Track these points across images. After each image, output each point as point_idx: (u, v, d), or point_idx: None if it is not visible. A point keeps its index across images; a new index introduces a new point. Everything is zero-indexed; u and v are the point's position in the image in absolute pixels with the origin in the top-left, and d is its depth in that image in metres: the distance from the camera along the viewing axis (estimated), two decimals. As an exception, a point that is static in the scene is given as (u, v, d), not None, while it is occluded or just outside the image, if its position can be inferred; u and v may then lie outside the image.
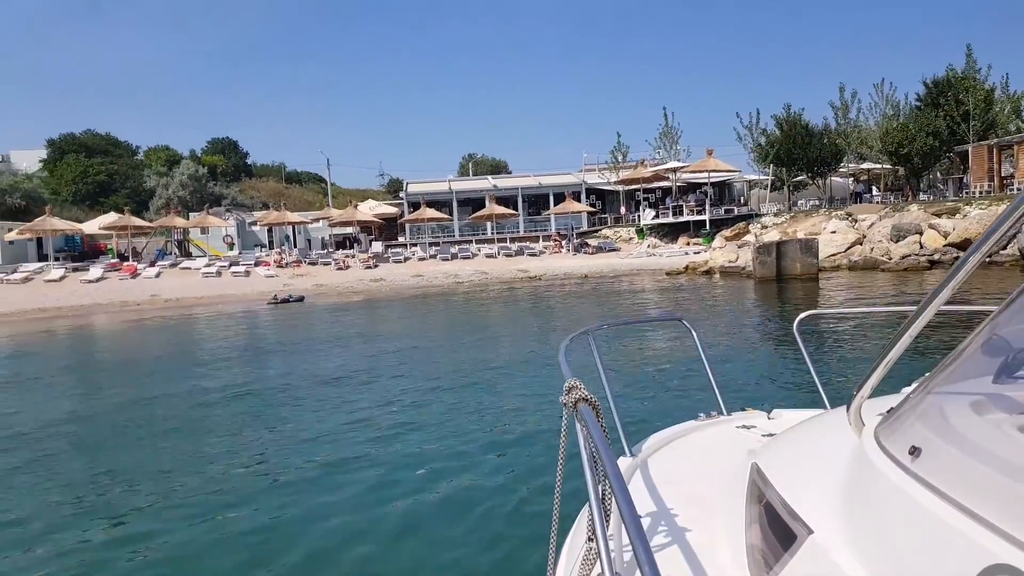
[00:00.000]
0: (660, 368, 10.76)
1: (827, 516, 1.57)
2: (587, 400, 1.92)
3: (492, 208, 47.50)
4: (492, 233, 49.60)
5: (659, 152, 53.98)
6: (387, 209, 53.73)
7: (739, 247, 32.94)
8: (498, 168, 79.07)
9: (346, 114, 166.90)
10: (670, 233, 44.32)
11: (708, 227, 41.84)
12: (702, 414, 3.43)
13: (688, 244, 41.07)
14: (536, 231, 50.07)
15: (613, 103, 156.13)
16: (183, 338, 20.22)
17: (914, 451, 1.48)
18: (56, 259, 41.56)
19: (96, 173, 61.76)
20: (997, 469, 1.28)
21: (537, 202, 53.11)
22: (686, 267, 32.98)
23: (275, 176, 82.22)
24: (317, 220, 51.67)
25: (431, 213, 46.66)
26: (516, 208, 50.92)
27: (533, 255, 43.31)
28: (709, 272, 31.27)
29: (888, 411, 1.78)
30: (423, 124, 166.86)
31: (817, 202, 45.51)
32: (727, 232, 38.64)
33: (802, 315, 3.82)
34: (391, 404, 9.60)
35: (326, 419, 9.00)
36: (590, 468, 1.65)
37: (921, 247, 27.79)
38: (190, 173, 62.85)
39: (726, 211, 44.27)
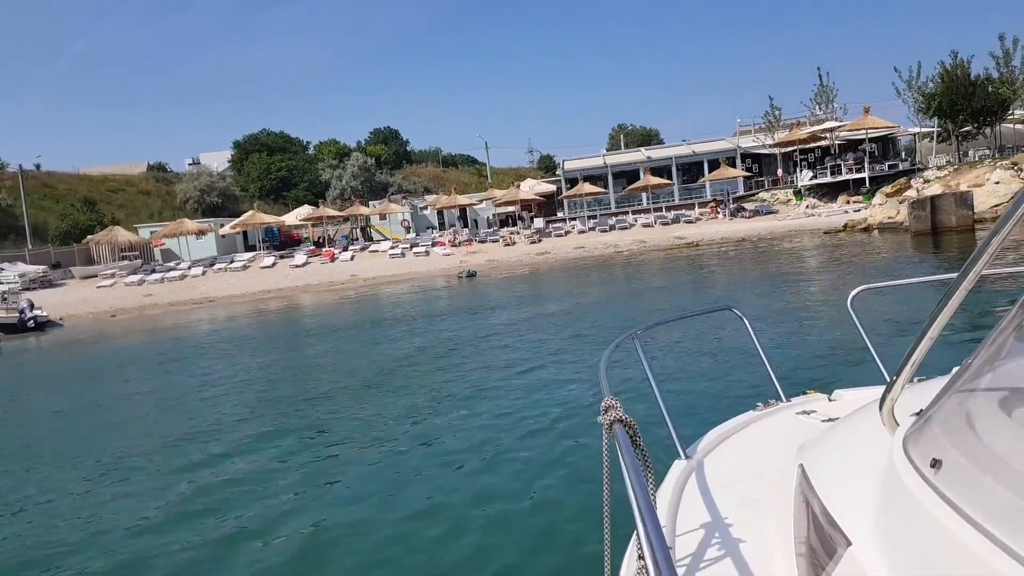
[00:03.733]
0: (717, 357, 10.45)
1: (863, 528, 1.55)
2: (622, 421, 1.91)
3: (647, 179, 49.06)
4: (648, 203, 51.04)
5: (818, 108, 53.09)
6: (545, 187, 56.64)
7: (900, 203, 32.90)
8: (649, 137, 79.65)
9: (495, 95, 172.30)
10: (829, 193, 44.10)
11: (868, 184, 41.41)
12: (760, 403, 3.36)
13: (848, 203, 40.90)
14: (691, 199, 50.74)
15: (765, 63, 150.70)
16: (394, 307, 24.22)
17: (935, 464, 1.45)
18: (262, 248, 47.75)
19: (278, 170, 68.71)
20: (1015, 488, 1.25)
21: (691, 170, 53.73)
22: (845, 225, 33.40)
23: (433, 160, 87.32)
24: (481, 201, 55.40)
25: (589, 188, 48.73)
26: (670, 177, 51.97)
27: (689, 222, 44.40)
28: (867, 229, 31.68)
29: (918, 412, 1.75)
30: (570, 98, 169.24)
31: (988, 151, 43.49)
32: (887, 188, 38.27)
33: (856, 290, 3.68)
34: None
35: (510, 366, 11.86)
36: (632, 489, 1.62)
37: (1093, 193, 26.89)
38: (360, 164, 67.81)
39: (889, 167, 43.46)
